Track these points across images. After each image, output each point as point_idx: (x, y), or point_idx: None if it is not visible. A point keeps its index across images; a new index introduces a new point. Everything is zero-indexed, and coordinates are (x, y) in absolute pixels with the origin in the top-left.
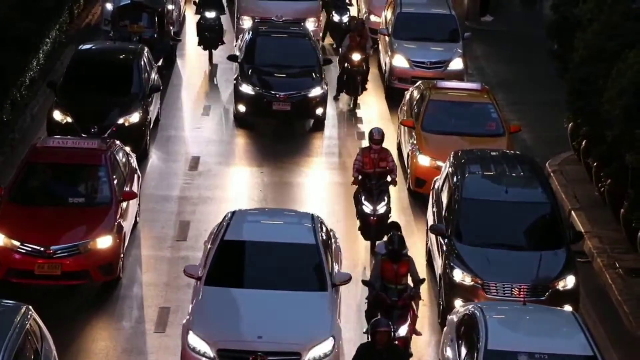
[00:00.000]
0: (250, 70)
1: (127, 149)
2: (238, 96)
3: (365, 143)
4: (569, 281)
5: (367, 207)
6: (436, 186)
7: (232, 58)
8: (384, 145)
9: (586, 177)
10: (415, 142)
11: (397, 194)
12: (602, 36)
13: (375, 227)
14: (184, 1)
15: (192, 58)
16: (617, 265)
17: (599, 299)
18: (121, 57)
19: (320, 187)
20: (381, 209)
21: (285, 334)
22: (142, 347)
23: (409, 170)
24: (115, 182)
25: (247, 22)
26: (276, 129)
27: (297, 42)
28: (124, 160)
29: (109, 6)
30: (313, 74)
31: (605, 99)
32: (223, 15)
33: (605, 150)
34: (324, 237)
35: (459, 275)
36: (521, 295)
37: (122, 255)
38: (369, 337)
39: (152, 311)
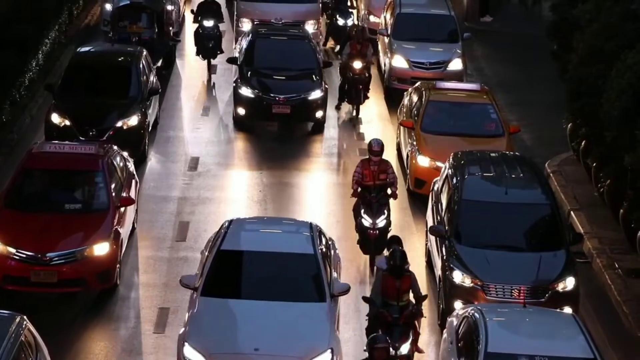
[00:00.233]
0: (249, 73)
1: (125, 153)
2: (237, 99)
3: (365, 144)
4: (569, 282)
5: (367, 221)
6: (436, 187)
7: (231, 60)
8: (385, 152)
9: (585, 177)
10: (414, 142)
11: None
12: (601, 37)
13: (375, 242)
14: (184, 2)
15: (191, 59)
16: (617, 265)
17: (599, 299)
18: (119, 59)
19: (319, 187)
20: (381, 222)
21: (283, 346)
22: (142, 348)
23: (408, 171)
24: (113, 187)
25: (246, 25)
26: (276, 130)
27: (297, 45)
28: (121, 165)
29: (108, 7)
30: (313, 77)
31: (604, 99)
32: (222, 24)
33: (605, 150)
34: (323, 247)
35: (458, 276)
36: (521, 297)
37: (119, 262)
38: (368, 354)
39: (152, 312)
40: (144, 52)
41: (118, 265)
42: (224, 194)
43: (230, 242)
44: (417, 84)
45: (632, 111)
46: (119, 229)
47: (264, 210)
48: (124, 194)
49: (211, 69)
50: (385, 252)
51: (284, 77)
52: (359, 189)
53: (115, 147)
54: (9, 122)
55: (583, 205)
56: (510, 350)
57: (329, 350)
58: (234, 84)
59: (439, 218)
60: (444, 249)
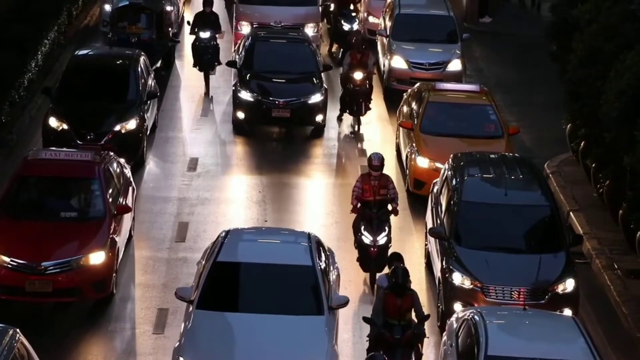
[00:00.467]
0: (249, 76)
1: (122, 160)
2: (237, 103)
3: (365, 144)
4: (569, 284)
5: (367, 238)
6: (435, 189)
7: (230, 64)
8: (384, 151)
9: (585, 178)
10: (414, 143)
11: None
12: (600, 37)
13: (375, 259)
14: (183, 2)
15: (190, 59)
16: (616, 266)
17: (598, 300)
18: (117, 63)
19: (318, 187)
20: (382, 239)
21: None
22: (141, 349)
23: (407, 172)
24: (109, 195)
25: (245, 28)
26: (276, 131)
27: (297, 48)
28: (118, 171)
29: (107, 7)
30: (313, 80)
31: (603, 100)
32: (219, 35)
33: (604, 151)
34: (321, 258)
35: (458, 278)
36: (521, 299)
37: (115, 271)
38: None
39: (151, 312)
40: (142, 55)
41: (114, 274)
42: (223, 194)
43: (227, 254)
44: (416, 85)
45: (631, 112)
46: (115, 237)
47: (263, 210)
48: (121, 199)
49: (209, 81)
50: (386, 270)
51: (283, 81)
52: (359, 205)
53: (112, 154)
54: (8, 122)
55: (582, 206)
56: (511, 353)
57: None
58: (233, 88)
59: (438, 219)
60: (443, 251)
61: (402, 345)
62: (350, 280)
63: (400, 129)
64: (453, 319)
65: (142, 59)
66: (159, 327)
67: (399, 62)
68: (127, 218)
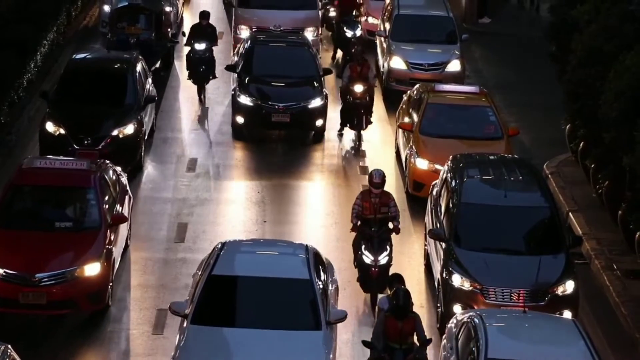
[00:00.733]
0: (248, 81)
1: (118, 168)
2: (236, 107)
3: (364, 144)
4: (569, 286)
5: (368, 258)
6: (434, 190)
7: (230, 68)
8: (384, 153)
9: (584, 178)
10: (413, 145)
11: (395, 196)
12: (600, 38)
13: (376, 279)
14: (182, 3)
15: None
16: (615, 267)
17: (597, 300)
18: (115, 67)
19: (318, 188)
20: (383, 259)
21: None
22: (141, 349)
23: (407, 174)
24: (105, 204)
25: (244, 32)
26: (275, 133)
27: (296, 52)
28: (114, 179)
29: (106, 8)
30: (313, 84)
31: (602, 100)
32: (216, 46)
33: (603, 152)
34: (319, 271)
35: (457, 280)
36: (520, 300)
37: (111, 283)
38: None
39: (150, 313)
40: (140, 59)
41: (110, 285)
42: (223, 195)
43: (223, 267)
44: (416, 86)
45: (631, 112)
46: (111, 248)
47: (262, 211)
48: (118, 209)
49: (202, 95)
50: (388, 291)
51: (283, 85)
52: (359, 223)
53: (108, 162)
54: (7, 123)
55: (581, 206)
56: (511, 356)
57: None
58: (233, 92)
59: (437, 221)
60: (443, 253)
61: None
62: (350, 280)
63: (400, 130)
64: (453, 322)
65: (140, 63)
66: (158, 328)
67: (398, 63)
68: (123, 228)
